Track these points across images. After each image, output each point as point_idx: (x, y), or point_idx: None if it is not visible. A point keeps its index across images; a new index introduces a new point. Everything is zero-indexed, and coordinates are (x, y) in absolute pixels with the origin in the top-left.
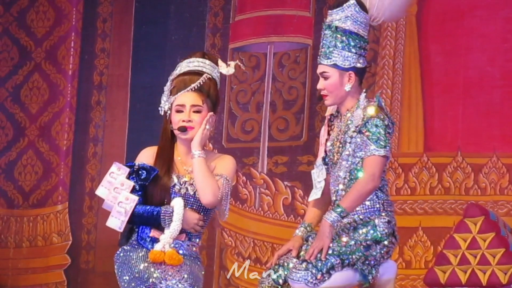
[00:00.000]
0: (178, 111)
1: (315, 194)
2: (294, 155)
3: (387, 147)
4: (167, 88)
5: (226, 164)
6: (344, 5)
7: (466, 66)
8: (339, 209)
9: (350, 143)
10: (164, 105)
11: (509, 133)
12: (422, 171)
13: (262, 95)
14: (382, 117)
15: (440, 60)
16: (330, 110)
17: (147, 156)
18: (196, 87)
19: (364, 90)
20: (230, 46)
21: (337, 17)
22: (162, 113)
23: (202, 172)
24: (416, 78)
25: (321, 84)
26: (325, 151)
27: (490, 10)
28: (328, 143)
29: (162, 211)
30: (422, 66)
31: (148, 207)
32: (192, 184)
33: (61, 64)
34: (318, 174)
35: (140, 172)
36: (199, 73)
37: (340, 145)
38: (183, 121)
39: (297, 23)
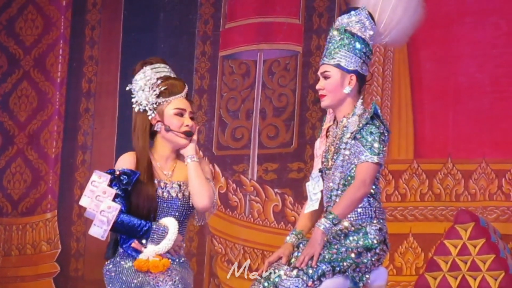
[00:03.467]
0: (178, 114)
1: (312, 206)
2: (284, 162)
3: (381, 154)
4: (151, 86)
5: (208, 169)
6: (355, 11)
7: (456, 73)
8: (331, 216)
9: (344, 149)
10: (147, 104)
11: (499, 139)
12: (413, 178)
13: (252, 102)
14: (377, 124)
15: (429, 67)
16: (327, 122)
17: (126, 163)
18: (188, 95)
19: (361, 97)
20: (220, 54)
21: (346, 21)
22: (141, 110)
23: (198, 176)
24: (406, 84)
25: (320, 83)
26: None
27: (479, 17)
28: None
29: (153, 228)
30: (412, 73)
31: (137, 220)
32: (172, 187)
33: (50, 72)
34: (313, 186)
35: (121, 177)
36: (182, 81)
37: (335, 151)
38: (186, 125)
39: (287, 30)
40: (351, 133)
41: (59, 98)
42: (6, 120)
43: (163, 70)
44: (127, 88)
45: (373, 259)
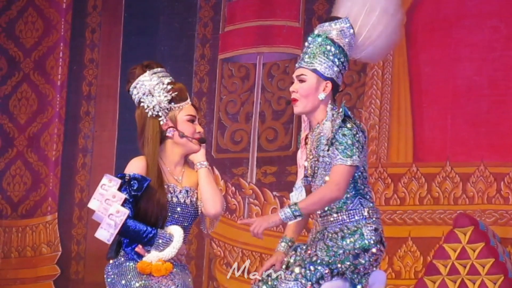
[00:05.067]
0: (190, 121)
1: None
2: (283, 165)
3: (354, 157)
4: (161, 91)
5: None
6: (340, 20)
7: (455, 76)
8: (293, 207)
9: (323, 156)
10: (160, 110)
11: (497, 142)
12: (412, 181)
13: (251, 106)
14: (349, 126)
15: (428, 70)
16: (304, 131)
17: (138, 168)
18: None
19: (330, 102)
20: (220, 57)
21: (330, 28)
22: (154, 115)
23: (211, 182)
24: (405, 88)
25: (294, 86)
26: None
27: (477, 20)
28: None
29: (158, 235)
30: (411, 76)
31: (143, 226)
32: (181, 192)
33: (50, 75)
34: (297, 197)
35: (132, 182)
36: (184, 85)
37: (314, 159)
38: (198, 132)
39: (286, 33)
40: (327, 139)
41: (59, 101)
42: (6, 122)
43: (166, 75)
44: (127, 88)
45: (371, 260)
